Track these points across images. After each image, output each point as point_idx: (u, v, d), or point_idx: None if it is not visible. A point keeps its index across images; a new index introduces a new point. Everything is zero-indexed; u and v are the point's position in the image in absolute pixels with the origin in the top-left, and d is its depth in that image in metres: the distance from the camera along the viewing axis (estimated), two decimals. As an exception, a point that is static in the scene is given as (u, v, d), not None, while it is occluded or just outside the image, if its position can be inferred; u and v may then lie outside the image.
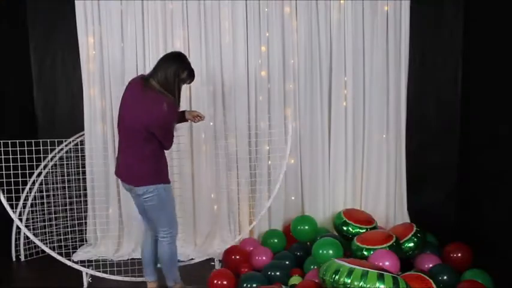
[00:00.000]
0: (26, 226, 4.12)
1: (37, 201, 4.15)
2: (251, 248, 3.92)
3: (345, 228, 3.91)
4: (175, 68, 3.06)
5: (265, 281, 3.40)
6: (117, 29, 4.10)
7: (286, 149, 3.89)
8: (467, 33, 4.45)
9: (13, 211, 3.65)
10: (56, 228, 4.21)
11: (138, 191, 3.10)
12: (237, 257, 3.80)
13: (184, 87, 4.14)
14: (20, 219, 4.12)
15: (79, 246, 4.31)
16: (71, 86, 4.61)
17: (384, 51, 4.23)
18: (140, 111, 2.98)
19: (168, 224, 3.23)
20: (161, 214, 3.20)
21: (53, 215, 4.21)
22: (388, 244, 3.49)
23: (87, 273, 3.66)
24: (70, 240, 4.24)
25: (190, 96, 4.17)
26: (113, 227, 4.22)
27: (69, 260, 3.74)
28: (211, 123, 4.18)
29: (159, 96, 2.99)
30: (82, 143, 4.24)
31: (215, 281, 3.42)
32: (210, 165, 4.22)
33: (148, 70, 4.00)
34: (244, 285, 3.34)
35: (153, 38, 4.10)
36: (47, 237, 4.14)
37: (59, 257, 3.64)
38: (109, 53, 4.12)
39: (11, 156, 3.79)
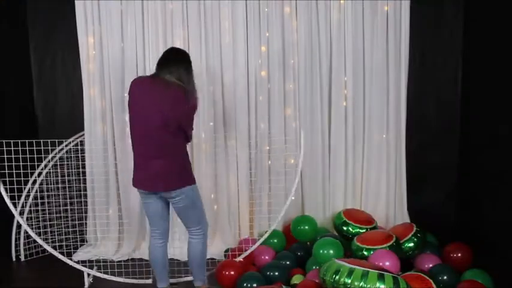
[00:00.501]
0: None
1: (38, 200, 4.15)
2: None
3: (345, 228, 3.91)
4: (187, 63, 3.13)
5: (264, 280, 3.40)
6: (117, 29, 4.10)
7: (299, 156, 3.82)
8: (467, 33, 4.45)
9: (15, 209, 3.65)
10: (57, 228, 4.21)
11: (171, 194, 3.04)
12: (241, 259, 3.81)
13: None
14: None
15: (79, 247, 4.31)
16: (71, 86, 4.61)
17: (384, 51, 4.24)
18: (169, 105, 2.93)
19: (200, 222, 3.21)
20: (194, 213, 3.17)
21: (54, 215, 4.21)
22: (388, 244, 3.49)
23: (88, 274, 3.65)
24: (71, 240, 4.25)
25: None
26: (113, 227, 4.22)
27: (70, 259, 3.73)
28: (211, 123, 4.18)
29: (181, 87, 2.99)
30: (82, 143, 4.24)
31: (223, 272, 3.48)
32: (210, 165, 4.22)
33: (148, 70, 4.04)
34: (244, 285, 3.34)
35: (153, 38, 4.10)
36: (48, 237, 4.13)
37: (61, 257, 3.63)
38: (109, 53, 4.12)
39: (13, 156, 3.78)
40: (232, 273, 3.48)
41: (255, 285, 3.32)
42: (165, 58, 3.10)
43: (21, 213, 4.08)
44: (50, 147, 3.97)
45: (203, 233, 3.24)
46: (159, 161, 3.00)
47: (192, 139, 3.21)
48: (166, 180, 3.01)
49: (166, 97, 2.95)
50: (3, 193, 3.55)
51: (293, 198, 4.30)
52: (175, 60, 3.08)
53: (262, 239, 3.77)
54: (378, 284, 2.82)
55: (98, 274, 3.66)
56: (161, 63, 3.07)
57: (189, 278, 3.65)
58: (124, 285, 3.65)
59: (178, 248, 4.12)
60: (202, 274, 3.33)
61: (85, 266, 3.69)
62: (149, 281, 3.63)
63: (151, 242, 3.28)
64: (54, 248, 3.88)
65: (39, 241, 3.62)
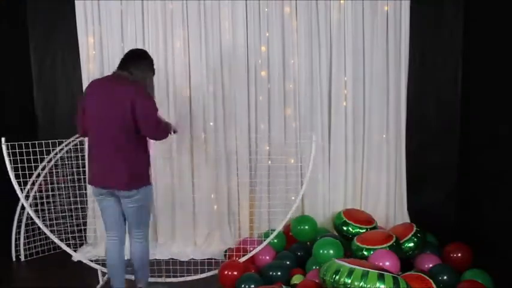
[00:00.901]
0: (26, 226, 4.14)
1: (43, 200, 4.14)
2: (251, 248, 3.92)
3: (345, 228, 3.91)
4: (149, 62, 3.15)
5: (262, 281, 3.40)
6: (117, 29, 4.11)
7: (309, 165, 3.74)
8: (467, 33, 4.44)
9: (26, 201, 3.63)
10: (57, 228, 4.21)
11: (131, 194, 3.02)
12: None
13: (185, 88, 4.18)
14: (20, 220, 4.13)
15: (79, 246, 4.31)
16: (71, 86, 4.61)
17: (384, 51, 4.24)
18: (126, 101, 2.90)
19: (146, 225, 3.24)
20: (144, 215, 3.18)
21: (53, 215, 4.21)
22: (388, 244, 3.49)
23: (104, 273, 3.66)
24: (71, 240, 4.24)
25: (190, 96, 4.18)
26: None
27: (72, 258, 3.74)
28: (211, 123, 4.19)
29: (134, 83, 3.01)
30: (82, 143, 4.23)
31: (225, 272, 3.47)
32: (210, 165, 4.22)
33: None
34: (242, 286, 3.34)
35: (153, 38, 4.11)
36: (54, 236, 4.13)
37: (73, 253, 3.68)
38: (109, 53, 4.13)
39: (18, 157, 3.78)
40: (235, 273, 3.46)
41: (253, 286, 3.31)
42: (126, 58, 3.13)
43: (21, 214, 4.09)
44: (51, 148, 3.97)
45: (145, 234, 3.23)
46: (122, 161, 2.98)
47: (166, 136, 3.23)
48: (130, 178, 2.99)
49: (125, 93, 2.93)
50: (17, 188, 3.54)
51: (293, 198, 4.33)
52: (134, 59, 3.10)
53: (268, 240, 3.73)
54: (377, 284, 2.82)
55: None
56: (122, 64, 3.11)
57: (189, 278, 3.67)
58: (132, 284, 3.64)
59: (176, 247, 4.15)
60: (147, 274, 3.35)
61: (98, 264, 3.69)
62: (161, 279, 3.64)
63: (111, 244, 3.20)
64: (54, 248, 3.89)
65: (53, 238, 3.61)
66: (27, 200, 4.06)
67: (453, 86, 4.55)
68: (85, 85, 4.14)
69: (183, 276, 3.70)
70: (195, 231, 4.29)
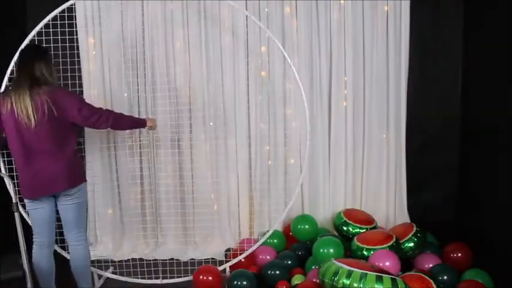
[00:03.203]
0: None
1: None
2: (251, 248, 3.93)
3: (345, 228, 3.92)
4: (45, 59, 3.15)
5: (254, 278, 3.42)
6: (117, 29, 4.10)
7: (303, 164, 3.79)
8: (467, 33, 4.44)
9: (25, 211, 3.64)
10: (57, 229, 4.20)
11: (71, 191, 3.07)
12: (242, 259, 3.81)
13: (185, 88, 4.16)
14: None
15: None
16: (71, 86, 4.59)
17: (384, 51, 4.24)
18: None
19: (84, 224, 3.26)
20: (82, 213, 3.20)
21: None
22: (388, 244, 3.49)
23: (99, 275, 3.67)
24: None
25: (190, 96, 4.18)
26: (113, 227, 4.22)
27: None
28: (211, 123, 4.19)
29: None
30: (81, 143, 4.23)
31: (201, 277, 3.44)
32: (210, 165, 4.22)
33: (149, 70, 4.05)
34: (235, 282, 3.34)
35: (153, 38, 4.10)
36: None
37: (68, 256, 3.63)
38: (109, 53, 4.12)
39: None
40: (210, 278, 3.45)
41: (245, 282, 3.33)
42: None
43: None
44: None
45: (85, 236, 3.28)
46: (58, 159, 3.04)
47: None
48: (69, 175, 3.06)
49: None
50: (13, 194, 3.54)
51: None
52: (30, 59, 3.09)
53: (263, 240, 3.75)
54: (376, 286, 2.83)
55: (109, 275, 3.67)
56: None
57: (189, 278, 3.67)
58: (131, 285, 3.64)
59: (176, 247, 4.15)
60: (89, 280, 3.32)
61: (93, 266, 3.68)
62: (158, 281, 3.63)
63: (39, 251, 3.18)
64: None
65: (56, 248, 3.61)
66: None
67: (453, 86, 4.54)
68: (85, 85, 4.15)
69: (183, 276, 3.71)
70: (195, 231, 4.29)
